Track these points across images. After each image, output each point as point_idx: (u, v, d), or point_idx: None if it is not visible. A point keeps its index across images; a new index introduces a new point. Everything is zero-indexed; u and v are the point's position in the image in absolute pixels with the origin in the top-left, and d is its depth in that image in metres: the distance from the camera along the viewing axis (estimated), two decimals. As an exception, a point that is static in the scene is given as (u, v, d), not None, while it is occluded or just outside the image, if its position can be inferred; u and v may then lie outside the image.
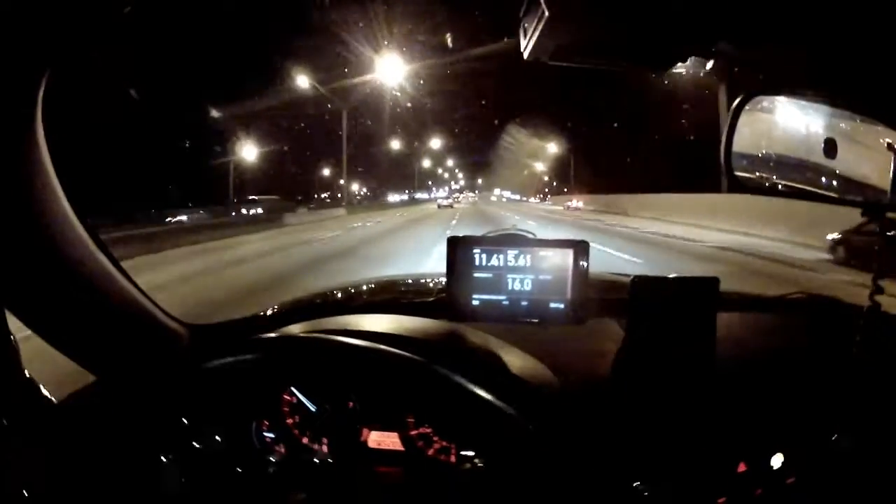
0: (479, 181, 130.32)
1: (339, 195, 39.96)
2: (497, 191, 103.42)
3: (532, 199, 62.94)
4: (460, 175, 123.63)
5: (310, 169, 45.15)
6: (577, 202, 30.45)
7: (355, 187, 54.90)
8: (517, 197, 79.90)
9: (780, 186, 0.66)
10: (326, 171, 46.92)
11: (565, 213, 25.97)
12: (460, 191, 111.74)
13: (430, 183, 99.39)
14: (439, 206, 39.06)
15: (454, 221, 18.40)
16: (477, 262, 0.82)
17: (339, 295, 1.31)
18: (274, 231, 16.21)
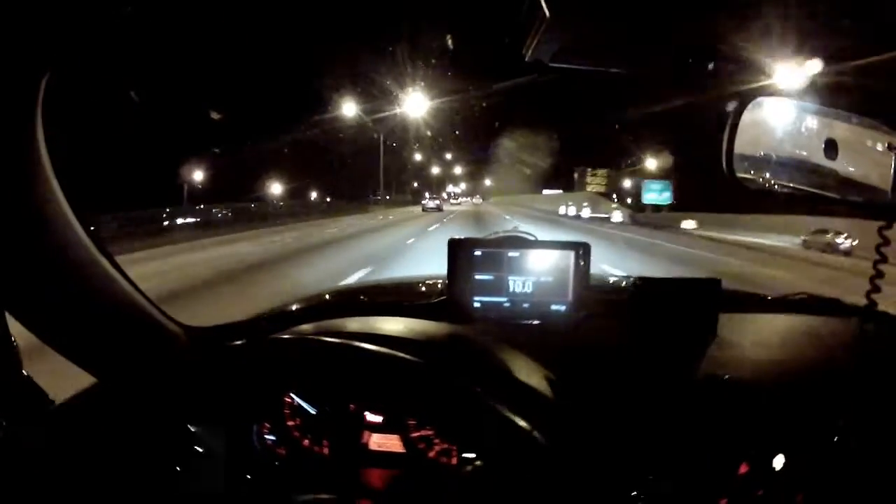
0: (487, 182, 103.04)
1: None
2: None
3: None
4: (458, 170, 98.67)
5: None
6: (845, 240, 13.70)
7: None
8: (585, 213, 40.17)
9: (781, 187, 0.66)
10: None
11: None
12: (460, 194, 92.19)
13: (415, 184, 76.30)
14: (424, 210, 33.64)
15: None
16: (478, 264, 0.82)
17: (340, 297, 1.31)
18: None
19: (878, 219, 0.61)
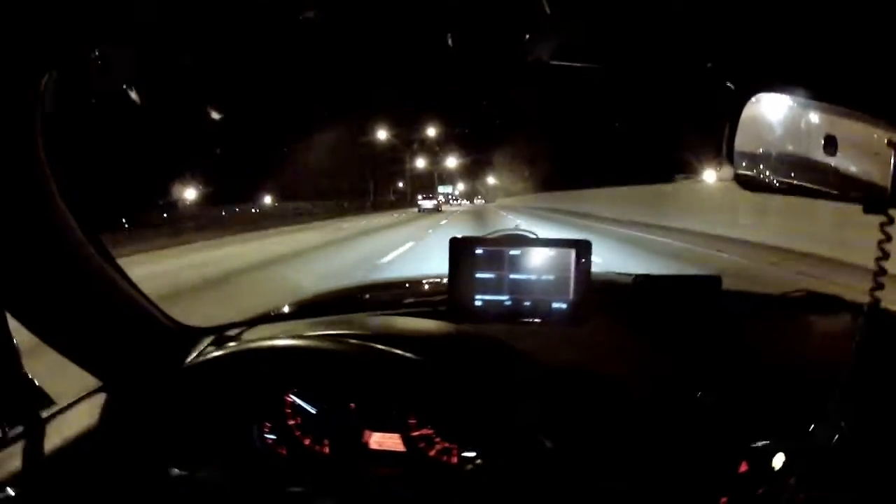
0: (491, 181, 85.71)
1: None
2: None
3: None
4: (452, 162, 76.34)
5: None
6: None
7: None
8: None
9: (781, 183, 0.66)
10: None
11: None
12: (458, 196, 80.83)
13: (401, 184, 65.57)
14: (420, 210, 31.24)
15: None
16: (479, 263, 0.82)
17: (341, 296, 1.31)
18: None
19: (876, 212, 0.61)
